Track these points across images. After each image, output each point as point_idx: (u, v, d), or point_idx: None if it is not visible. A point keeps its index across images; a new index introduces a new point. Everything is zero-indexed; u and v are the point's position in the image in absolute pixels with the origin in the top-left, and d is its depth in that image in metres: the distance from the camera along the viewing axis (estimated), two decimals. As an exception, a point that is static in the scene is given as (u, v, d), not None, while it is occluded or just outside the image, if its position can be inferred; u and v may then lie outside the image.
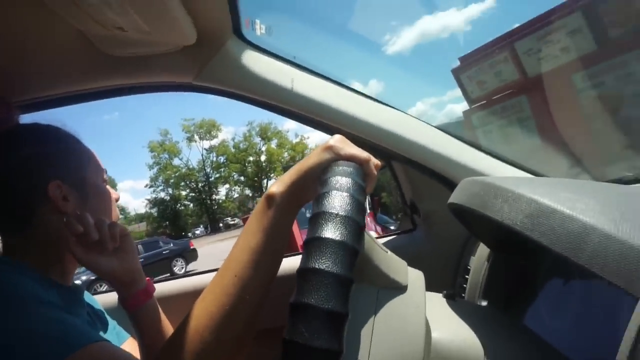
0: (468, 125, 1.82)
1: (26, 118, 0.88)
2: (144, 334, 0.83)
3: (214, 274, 1.04)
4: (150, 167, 49.21)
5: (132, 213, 55.20)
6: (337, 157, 0.54)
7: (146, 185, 50.20)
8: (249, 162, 50.32)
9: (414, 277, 0.55)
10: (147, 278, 0.85)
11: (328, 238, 0.42)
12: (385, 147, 0.95)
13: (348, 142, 0.57)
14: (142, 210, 52.40)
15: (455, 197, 0.64)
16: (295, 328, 0.39)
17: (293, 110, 0.93)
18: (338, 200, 0.46)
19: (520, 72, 1.61)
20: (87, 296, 0.92)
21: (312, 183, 0.53)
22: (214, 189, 51.89)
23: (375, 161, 0.56)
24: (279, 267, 0.56)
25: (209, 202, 51.16)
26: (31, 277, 0.61)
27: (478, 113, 1.81)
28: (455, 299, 0.66)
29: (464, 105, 1.89)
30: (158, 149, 48.26)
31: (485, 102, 1.80)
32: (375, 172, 0.57)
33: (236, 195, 53.28)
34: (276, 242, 0.55)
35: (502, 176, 0.91)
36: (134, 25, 0.74)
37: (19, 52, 0.83)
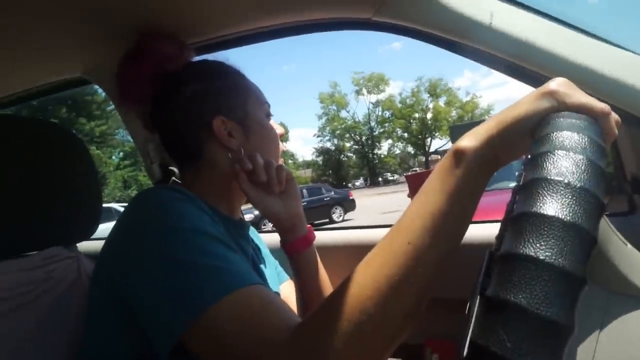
0: None
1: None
2: (301, 280, 0.84)
3: (375, 230, 0.98)
4: (319, 118, 52.07)
5: (300, 160, 59.59)
6: (562, 107, 0.41)
7: (314, 135, 53.54)
8: (414, 118, 49.21)
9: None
10: (309, 226, 0.84)
11: (553, 217, 0.29)
12: (612, 103, 0.72)
13: (576, 87, 0.42)
14: (309, 158, 56.19)
15: None
16: (492, 331, 0.28)
17: (489, 52, 0.75)
18: (569, 165, 0.32)
19: None
20: (253, 233, 0.95)
21: (520, 139, 0.43)
22: (377, 144, 52.60)
23: (615, 116, 0.43)
24: (462, 238, 0.45)
25: (370, 155, 52.23)
26: (201, 208, 0.61)
27: None
28: None
29: None
30: (327, 100, 50.49)
31: None
32: (616, 131, 0.41)
33: (398, 152, 53.24)
34: (462, 209, 0.43)
35: None
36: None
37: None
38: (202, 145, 0.76)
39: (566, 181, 0.31)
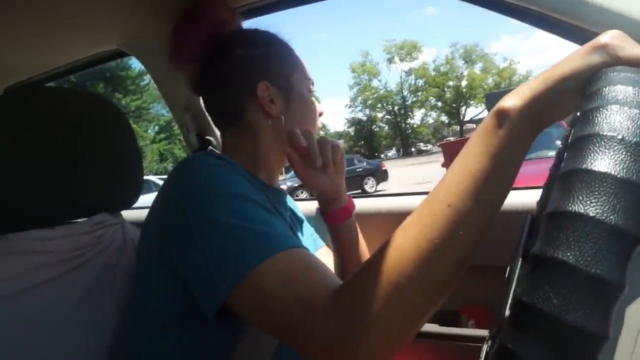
0: None
1: (248, 24, 0.90)
2: (341, 247, 0.86)
3: (411, 197, 0.98)
4: (351, 88, 51.32)
5: (332, 131, 59.32)
6: (614, 61, 0.38)
7: (346, 105, 52.89)
8: (449, 86, 47.81)
9: None
10: (349, 195, 0.85)
11: (605, 173, 0.28)
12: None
13: (630, 39, 0.40)
14: (340, 129, 55.87)
15: None
16: (538, 288, 0.28)
17: (533, 8, 0.72)
18: (622, 119, 0.31)
19: None
20: (290, 201, 0.97)
21: (568, 97, 0.40)
22: (410, 113, 51.57)
23: None
24: (503, 202, 0.44)
25: (403, 125, 51.38)
26: (242, 174, 0.63)
27: None
28: None
29: None
30: (359, 69, 49.60)
31: None
32: None
33: (431, 121, 52.12)
34: (504, 171, 0.42)
35: None
36: None
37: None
38: (244, 107, 0.77)
39: (620, 137, 0.30)
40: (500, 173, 0.42)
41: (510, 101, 0.42)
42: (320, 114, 0.87)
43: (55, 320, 0.71)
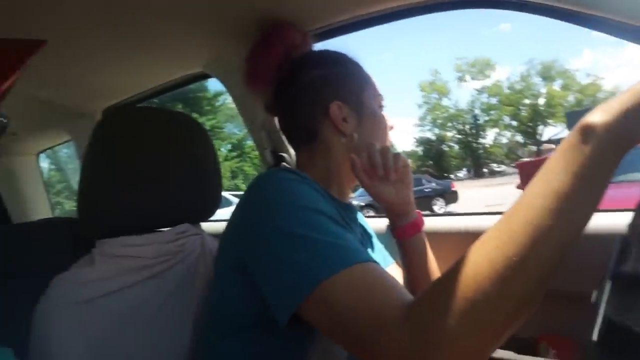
0: None
1: (319, 46, 0.94)
2: (409, 264, 0.86)
3: (484, 217, 0.95)
4: (419, 107, 50.49)
5: (400, 150, 58.31)
6: None
7: (414, 124, 52.09)
8: (524, 105, 45.57)
9: None
10: (418, 211, 0.84)
11: None
12: None
13: None
14: (408, 149, 54.98)
15: None
16: (633, 308, 0.27)
17: (622, 21, 0.68)
18: None
19: None
20: (360, 217, 0.97)
21: None
22: (481, 132, 49.69)
23: None
24: (587, 222, 0.41)
25: (474, 145, 49.59)
26: (315, 188, 0.65)
27: None
28: None
29: None
30: (428, 88, 48.81)
31: None
32: None
33: (505, 141, 49.76)
34: (589, 191, 0.40)
35: None
36: None
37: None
38: (318, 128, 0.80)
39: None
40: (583, 192, 0.40)
41: (597, 116, 0.41)
42: (391, 128, 0.88)
43: (140, 321, 0.76)
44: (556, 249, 0.40)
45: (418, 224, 0.85)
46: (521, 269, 0.41)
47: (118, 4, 0.86)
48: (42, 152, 2.19)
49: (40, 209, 2.16)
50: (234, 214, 0.69)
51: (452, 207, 14.54)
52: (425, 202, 13.95)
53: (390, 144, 0.88)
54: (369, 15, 0.99)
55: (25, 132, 1.90)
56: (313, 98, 0.80)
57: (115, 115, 0.84)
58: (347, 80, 0.82)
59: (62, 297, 0.71)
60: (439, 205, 14.31)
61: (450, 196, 14.75)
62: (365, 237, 0.92)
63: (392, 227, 0.86)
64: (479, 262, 0.43)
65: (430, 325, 0.43)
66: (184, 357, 0.79)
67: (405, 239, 0.84)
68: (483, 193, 20.33)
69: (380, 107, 0.86)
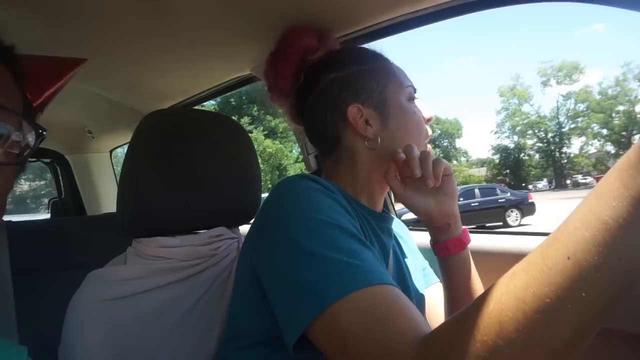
0: None
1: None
2: (450, 284, 0.79)
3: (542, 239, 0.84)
4: (498, 113, 48.15)
5: (474, 157, 56.19)
6: None
7: (491, 131, 49.76)
8: (618, 112, 41.78)
9: None
10: (464, 227, 0.77)
11: None
12: None
13: None
14: (484, 156, 52.60)
15: None
16: None
17: None
18: None
19: None
20: (403, 229, 0.91)
21: None
22: (566, 141, 46.31)
23: None
24: None
25: (557, 154, 46.33)
26: (336, 199, 0.61)
27: None
28: None
29: None
30: (508, 93, 46.39)
31: None
32: None
33: (593, 151, 45.98)
34: None
35: None
36: None
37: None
38: (339, 133, 0.76)
39: None
40: None
41: None
42: (429, 120, 0.80)
43: (169, 322, 0.76)
44: (605, 291, 0.33)
45: (463, 241, 0.76)
46: (555, 314, 0.34)
47: (177, 15, 0.89)
48: (114, 149, 2.37)
49: (112, 202, 2.32)
50: (255, 219, 0.67)
51: (528, 220, 13.70)
52: (498, 212, 13.31)
53: (430, 138, 0.80)
54: (406, 19, 0.92)
55: (99, 131, 2.06)
56: (328, 104, 0.76)
57: (154, 118, 0.85)
58: (367, 78, 0.75)
59: (92, 293, 0.72)
60: (513, 217, 13.55)
61: (527, 207, 13.88)
62: (403, 252, 0.86)
63: (432, 242, 0.79)
64: (505, 301, 0.36)
65: None
66: None
67: (446, 255, 0.76)
68: (564, 206, 18.88)
69: (411, 99, 0.78)
